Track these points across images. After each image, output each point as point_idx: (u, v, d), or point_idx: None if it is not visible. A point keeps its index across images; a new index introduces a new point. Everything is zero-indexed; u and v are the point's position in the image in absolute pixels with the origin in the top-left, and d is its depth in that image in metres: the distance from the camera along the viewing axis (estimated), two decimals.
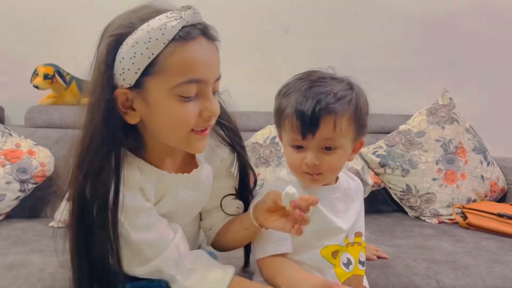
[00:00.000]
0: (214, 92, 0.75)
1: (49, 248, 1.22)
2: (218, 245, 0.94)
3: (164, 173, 0.80)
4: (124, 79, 0.69)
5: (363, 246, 0.90)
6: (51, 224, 1.43)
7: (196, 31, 0.69)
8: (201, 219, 0.95)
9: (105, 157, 0.70)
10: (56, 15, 1.79)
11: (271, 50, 1.97)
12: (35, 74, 1.63)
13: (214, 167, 0.89)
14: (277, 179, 0.91)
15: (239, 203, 0.93)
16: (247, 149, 1.62)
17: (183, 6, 0.69)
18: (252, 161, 1.61)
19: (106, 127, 0.69)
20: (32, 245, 1.25)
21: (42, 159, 1.48)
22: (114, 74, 0.70)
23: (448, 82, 1.94)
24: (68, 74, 1.67)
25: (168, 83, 0.69)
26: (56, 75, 1.62)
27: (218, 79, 0.75)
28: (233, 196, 0.93)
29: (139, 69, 0.68)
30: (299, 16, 1.99)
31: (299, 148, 0.82)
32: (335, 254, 0.85)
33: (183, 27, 0.68)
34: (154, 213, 0.80)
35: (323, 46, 2.00)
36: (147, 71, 0.68)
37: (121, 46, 0.68)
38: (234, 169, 0.93)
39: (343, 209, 0.88)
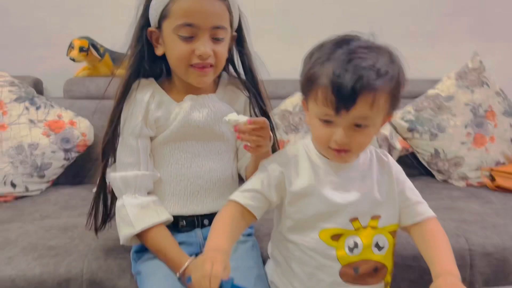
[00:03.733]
0: (216, 39, 0.91)
1: None
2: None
3: (174, 101, 0.97)
4: (152, 21, 0.93)
5: (388, 231, 0.85)
6: (95, 190, 1.52)
7: None
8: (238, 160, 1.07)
9: (128, 82, 0.95)
10: None
11: (298, 17, 1.97)
12: (70, 47, 1.68)
13: (239, 107, 1.04)
14: (294, 147, 0.88)
15: None
16: (276, 116, 1.68)
17: None
18: (281, 128, 1.67)
19: (138, 57, 0.94)
20: (81, 209, 1.34)
21: (82, 130, 1.56)
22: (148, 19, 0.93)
23: (478, 44, 1.91)
24: (101, 46, 1.72)
25: (171, 25, 0.89)
26: (91, 48, 1.67)
27: (216, 27, 0.90)
28: None
29: (157, 13, 0.90)
30: None
31: (328, 122, 0.77)
32: (336, 237, 0.82)
33: None
34: (146, 148, 0.97)
35: (351, 11, 1.99)
36: (162, 15, 0.90)
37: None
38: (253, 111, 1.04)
39: (355, 190, 0.83)
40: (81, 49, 1.66)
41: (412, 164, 1.79)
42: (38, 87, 1.75)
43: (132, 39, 0.95)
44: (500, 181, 1.55)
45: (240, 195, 0.82)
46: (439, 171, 1.70)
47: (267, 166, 0.85)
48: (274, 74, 1.90)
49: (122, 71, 1.62)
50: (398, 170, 0.89)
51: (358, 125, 0.76)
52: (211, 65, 0.92)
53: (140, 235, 0.93)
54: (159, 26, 0.92)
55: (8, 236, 1.13)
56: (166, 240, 0.93)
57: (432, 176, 1.74)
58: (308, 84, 0.78)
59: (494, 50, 2.02)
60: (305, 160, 0.84)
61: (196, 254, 0.94)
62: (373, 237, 0.84)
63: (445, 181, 1.69)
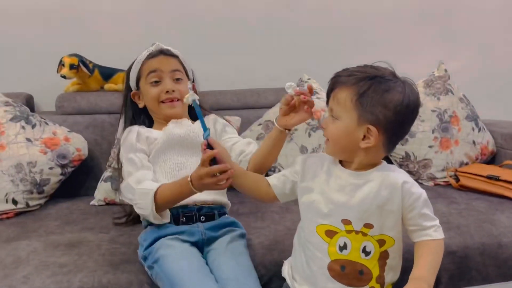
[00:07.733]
0: (177, 79, 1.28)
1: (97, 225, 1.41)
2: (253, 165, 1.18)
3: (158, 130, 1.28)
4: (132, 86, 1.32)
5: (376, 239, 0.93)
6: (92, 202, 1.61)
7: (156, 52, 1.28)
8: None
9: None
10: (76, 6, 1.89)
11: (275, 27, 2.08)
12: (61, 64, 1.74)
13: (212, 128, 1.29)
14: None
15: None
16: (260, 126, 1.79)
17: (153, 44, 1.30)
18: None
19: (128, 112, 1.34)
20: (81, 224, 1.43)
21: (77, 145, 1.64)
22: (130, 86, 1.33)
23: (443, 51, 2.08)
24: (91, 62, 1.78)
25: (144, 80, 1.28)
26: (81, 65, 1.73)
27: (174, 70, 1.28)
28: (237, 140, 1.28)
29: (134, 77, 1.30)
30: None
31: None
32: (330, 233, 0.94)
33: (149, 53, 1.28)
34: (142, 157, 1.22)
35: (325, 23, 2.11)
36: (137, 77, 1.30)
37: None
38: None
39: (352, 195, 0.94)
40: (71, 67, 1.72)
41: None
42: (29, 102, 1.82)
43: (122, 104, 1.36)
44: (463, 181, 1.71)
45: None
46: (410, 172, 1.85)
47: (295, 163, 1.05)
48: (255, 83, 2.03)
49: (111, 85, 1.82)
50: (412, 200, 0.95)
51: (332, 116, 0.94)
52: (178, 99, 1.27)
53: (156, 203, 1.10)
54: (137, 87, 1.31)
55: (18, 254, 1.21)
56: (169, 185, 1.12)
57: None
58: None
59: (458, 56, 2.19)
60: (324, 167, 1.00)
61: (198, 242, 1.14)
62: (361, 242, 0.93)
63: (415, 181, 1.84)
